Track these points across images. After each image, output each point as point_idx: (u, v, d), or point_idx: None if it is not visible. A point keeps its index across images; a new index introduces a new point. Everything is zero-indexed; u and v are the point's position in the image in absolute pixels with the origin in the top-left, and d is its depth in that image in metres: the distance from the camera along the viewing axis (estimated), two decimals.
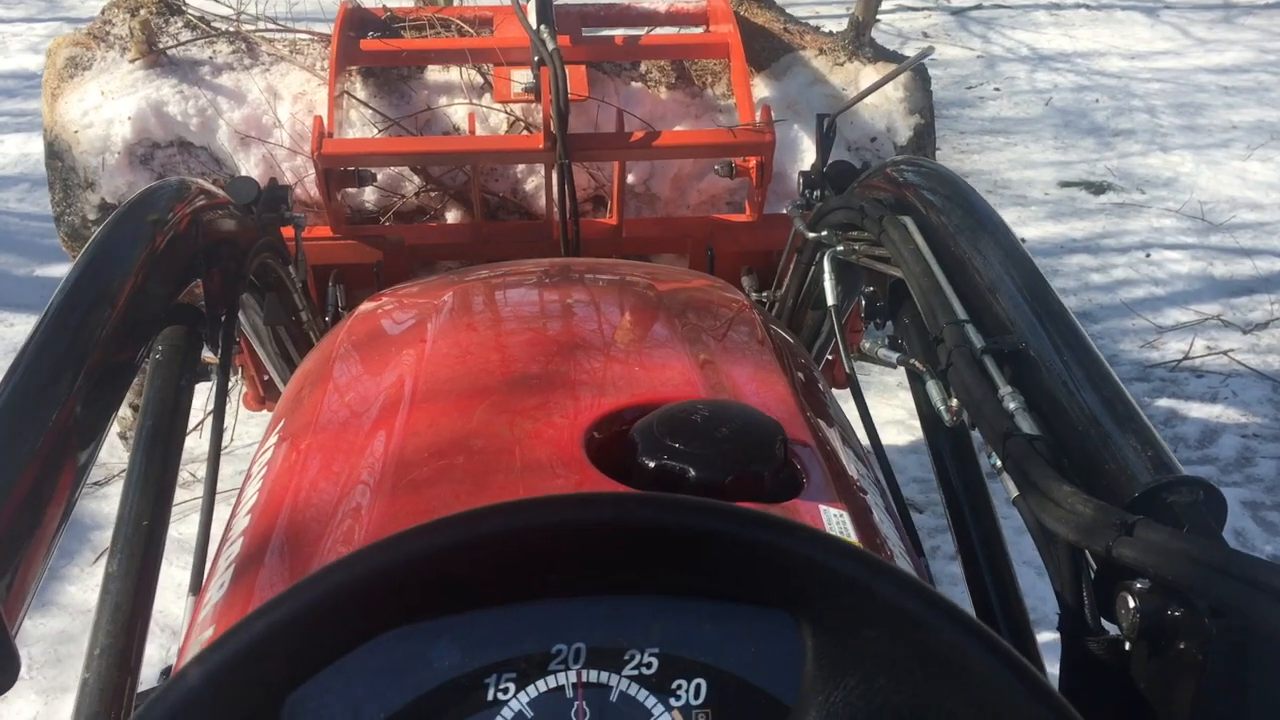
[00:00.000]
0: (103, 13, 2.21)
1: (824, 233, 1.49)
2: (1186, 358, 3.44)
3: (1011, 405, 0.95)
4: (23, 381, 0.95)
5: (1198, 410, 3.23)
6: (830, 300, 1.41)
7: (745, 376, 1.01)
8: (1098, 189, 4.73)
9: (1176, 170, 4.95)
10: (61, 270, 3.45)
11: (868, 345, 1.35)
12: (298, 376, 1.21)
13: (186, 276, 1.26)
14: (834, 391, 1.29)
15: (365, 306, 1.29)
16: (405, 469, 0.81)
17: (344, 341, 1.15)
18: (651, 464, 0.77)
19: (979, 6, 7.24)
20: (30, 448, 0.90)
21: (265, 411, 2.36)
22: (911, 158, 1.55)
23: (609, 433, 0.85)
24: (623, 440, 0.82)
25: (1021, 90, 5.93)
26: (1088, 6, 7.59)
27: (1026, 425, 0.93)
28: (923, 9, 7.02)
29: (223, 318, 1.30)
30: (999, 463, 0.94)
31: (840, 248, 1.42)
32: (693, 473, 0.76)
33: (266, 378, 2.06)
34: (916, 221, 1.25)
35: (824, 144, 1.73)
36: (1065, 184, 4.78)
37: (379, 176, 2.13)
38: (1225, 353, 3.44)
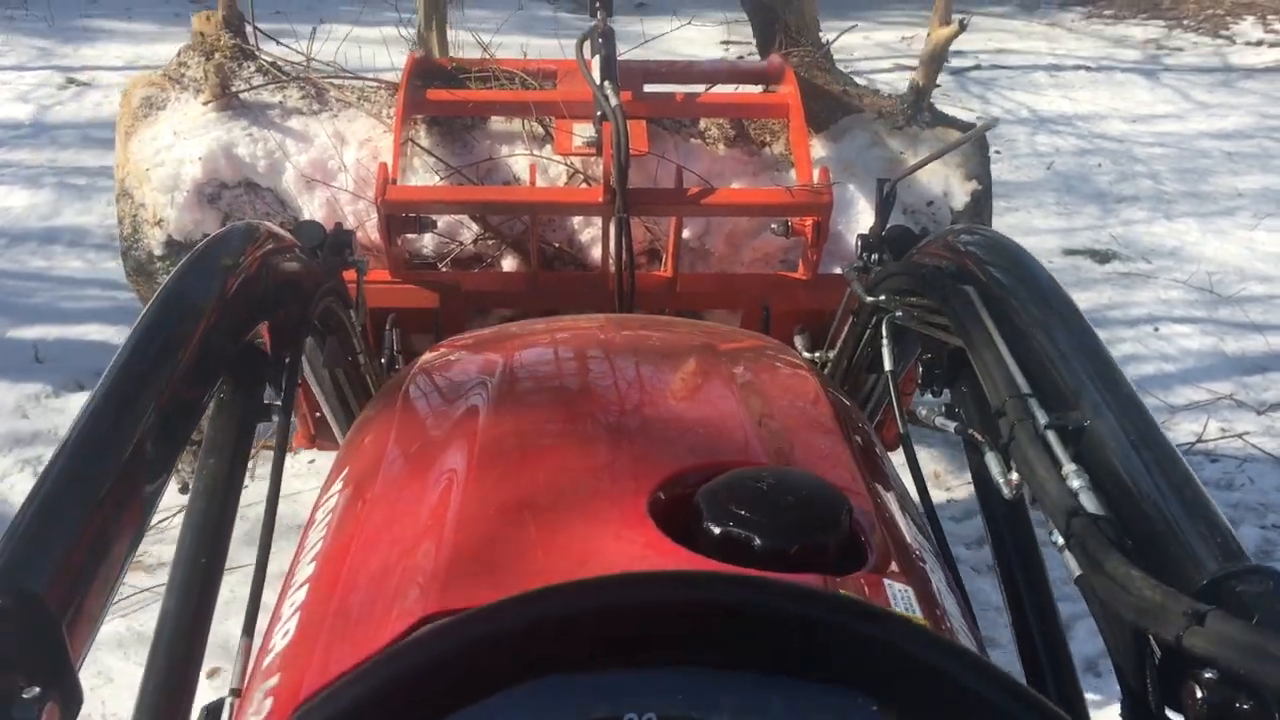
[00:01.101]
0: (178, 55, 2.27)
1: (882, 297, 1.49)
2: (1200, 440, 3.34)
3: (1076, 484, 0.94)
4: (98, 417, 0.97)
5: (1214, 497, 3.13)
6: (888, 365, 1.41)
7: (807, 442, 1.01)
8: (1103, 258, 4.63)
9: (1182, 239, 4.86)
10: (34, 333, 3.52)
11: (924, 412, 1.34)
12: (360, 426, 1.22)
13: (254, 319, 1.28)
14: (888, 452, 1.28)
15: (427, 357, 1.30)
16: (469, 525, 0.82)
17: (407, 393, 1.16)
18: (717, 530, 0.77)
19: (978, 67, 7.24)
20: (102, 484, 0.92)
21: (316, 450, 2.39)
22: (973, 226, 1.56)
23: (673, 495, 0.85)
24: (686, 503, 0.82)
25: (1022, 153, 5.88)
26: (1087, 68, 7.57)
27: (1091, 505, 0.92)
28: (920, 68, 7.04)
29: (286, 360, 1.32)
30: (1061, 540, 0.93)
31: (899, 313, 1.42)
32: (758, 541, 0.76)
33: (319, 415, 2.08)
34: (978, 291, 1.25)
35: (883, 208, 1.73)
36: (1069, 252, 4.70)
37: (439, 223, 2.16)
38: (1240, 435, 3.33)
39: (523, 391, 1.07)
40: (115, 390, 1.01)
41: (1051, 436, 1.00)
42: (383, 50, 3.18)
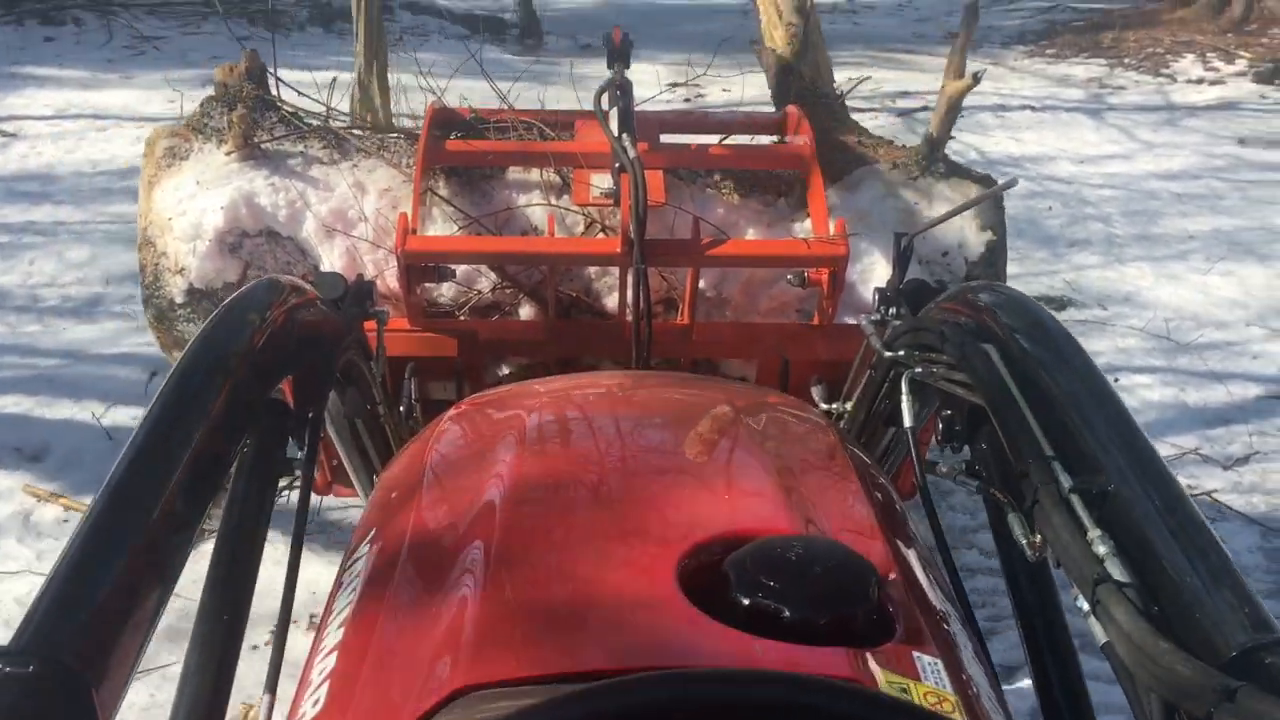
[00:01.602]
0: (201, 105, 2.30)
1: (901, 352, 1.50)
2: None
3: (1101, 549, 0.94)
4: (128, 475, 0.98)
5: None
6: (908, 421, 1.41)
7: (832, 505, 1.02)
8: (1058, 305, 4.58)
9: (1136, 284, 4.83)
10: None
11: (945, 469, 1.35)
12: (385, 484, 1.23)
13: (279, 374, 1.30)
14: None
15: (451, 415, 1.31)
16: (499, 595, 0.82)
17: (432, 455, 1.17)
18: (746, 601, 0.78)
19: (925, 108, 7.24)
20: (131, 543, 0.92)
21: (331, 496, 2.39)
22: (992, 284, 1.57)
23: (700, 562, 0.86)
24: (714, 570, 0.83)
25: None
26: (1032, 108, 7.63)
27: (1116, 571, 0.92)
28: (869, 110, 7.02)
29: (309, 415, 1.33)
30: (1086, 606, 0.93)
31: (919, 369, 1.43)
32: (787, 613, 0.77)
33: (335, 462, 2.09)
34: (999, 350, 1.26)
35: (900, 262, 1.74)
36: None
37: (457, 272, 2.18)
38: (1209, 494, 3.23)
39: (548, 455, 1.08)
40: (145, 449, 1.02)
41: (1076, 501, 1.01)
42: (401, 97, 3.21)
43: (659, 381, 1.47)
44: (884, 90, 7.86)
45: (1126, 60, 9.36)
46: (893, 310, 1.71)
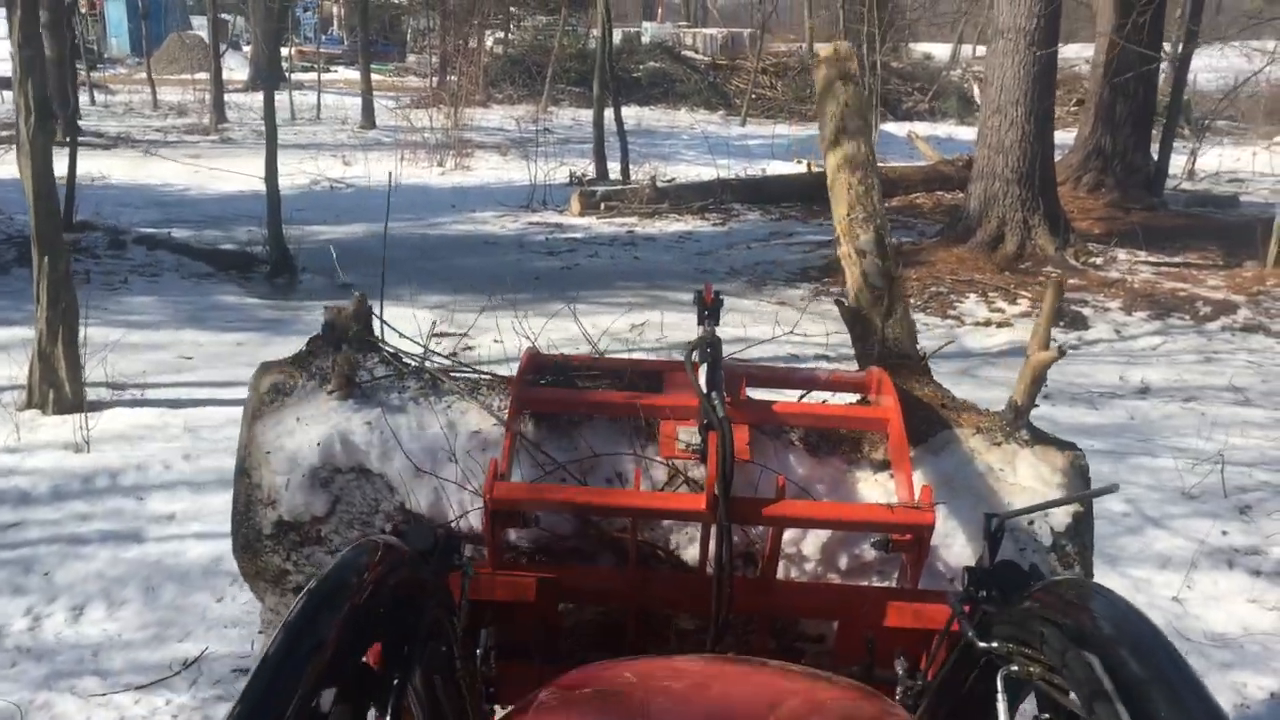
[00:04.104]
0: (308, 344, 2.41)
1: (995, 644, 1.47)
2: None
3: None
4: None
5: None
6: None
7: None
8: None
9: None
10: None
11: None
12: None
13: (369, 640, 1.31)
14: None
15: (540, 700, 1.31)
16: None
17: None
18: None
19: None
20: None
21: None
22: (1093, 584, 1.55)
23: None
24: None
25: None
26: (827, 358, 6.56)
27: None
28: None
29: (395, 682, 1.33)
30: None
31: (1015, 667, 1.40)
32: None
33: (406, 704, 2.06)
34: (1101, 659, 1.23)
35: (992, 544, 1.73)
36: None
37: (540, 518, 2.20)
38: None
39: None
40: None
41: None
42: (496, 338, 3.31)
43: (743, 671, 1.46)
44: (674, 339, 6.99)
45: (912, 300, 9.03)
46: (984, 592, 1.69)
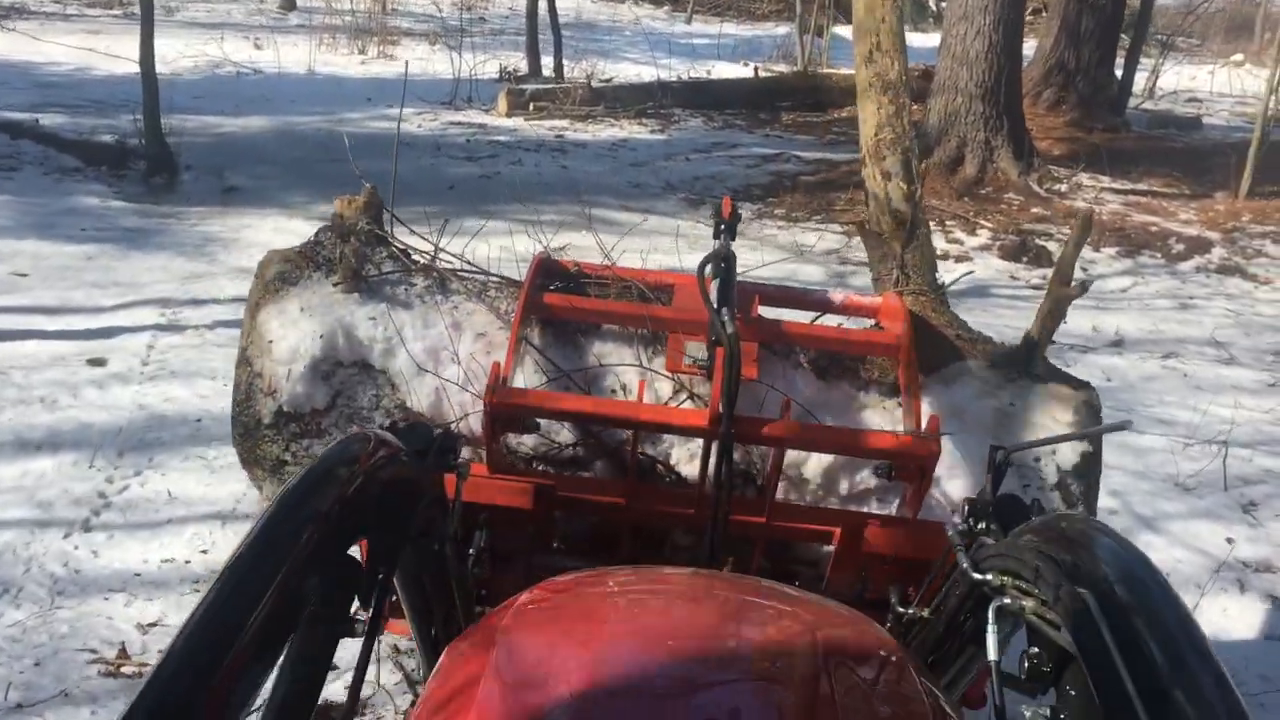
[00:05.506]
0: (316, 234, 2.36)
1: (989, 575, 1.45)
2: None
3: None
4: (201, 631, 0.99)
5: None
6: (992, 655, 1.35)
7: None
8: None
9: None
10: None
11: (1029, 714, 1.28)
12: (450, 668, 1.20)
13: (357, 534, 1.29)
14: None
15: (524, 601, 1.29)
16: None
17: (501, 645, 1.15)
18: None
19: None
20: (204, 697, 0.92)
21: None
22: (1092, 520, 1.51)
23: None
24: None
25: None
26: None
27: None
28: None
29: (379, 576, 1.32)
30: None
31: (1008, 600, 1.38)
32: None
33: (394, 599, 2.06)
34: (1096, 597, 1.20)
35: (995, 477, 1.70)
36: None
37: (541, 425, 2.18)
38: None
39: (615, 664, 1.05)
40: (218, 608, 1.02)
41: None
42: (508, 243, 3.22)
43: (732, 589, 1.44)
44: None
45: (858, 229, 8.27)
46: (982, 525, 1.66)
